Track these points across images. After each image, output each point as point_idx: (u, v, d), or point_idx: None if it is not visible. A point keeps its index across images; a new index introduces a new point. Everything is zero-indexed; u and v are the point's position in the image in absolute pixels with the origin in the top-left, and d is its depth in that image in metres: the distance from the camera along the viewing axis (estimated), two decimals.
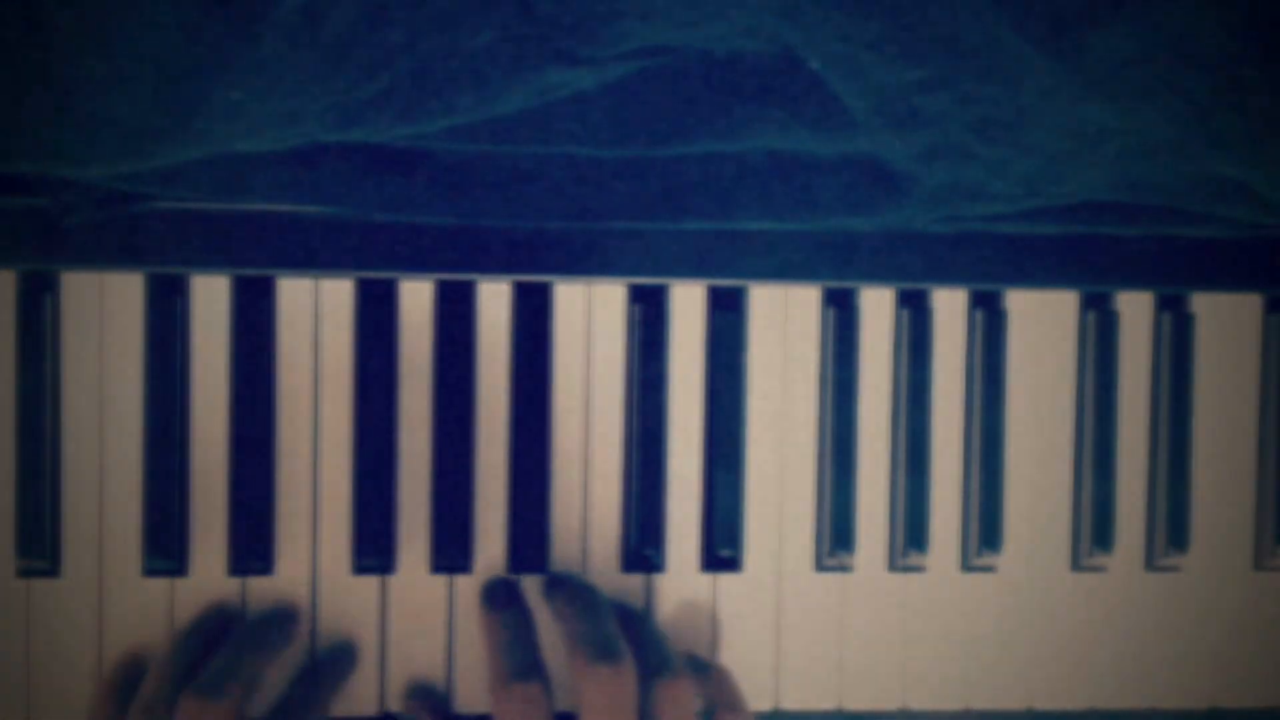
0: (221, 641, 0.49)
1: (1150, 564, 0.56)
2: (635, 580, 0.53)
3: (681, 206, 0.50)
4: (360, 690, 0.52)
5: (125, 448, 0.51)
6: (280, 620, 0.51)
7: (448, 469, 0.52)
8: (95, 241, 0.50)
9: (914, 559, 0.54)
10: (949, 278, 0.54)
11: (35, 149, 0.42)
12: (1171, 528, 0.55)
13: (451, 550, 0.52)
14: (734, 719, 0.48)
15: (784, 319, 0.54)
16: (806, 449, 0.54)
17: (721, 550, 0.54)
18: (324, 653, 0.52)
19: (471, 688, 0.53)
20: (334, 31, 0.41)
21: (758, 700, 0.54)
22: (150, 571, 0.51)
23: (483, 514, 0.53)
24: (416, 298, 0.52)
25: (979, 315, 0.55)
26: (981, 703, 0.55)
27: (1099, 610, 0.55)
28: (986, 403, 0.55)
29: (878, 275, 0.53)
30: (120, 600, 0.51)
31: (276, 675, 0.50)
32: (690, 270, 0.52)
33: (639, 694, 0.44)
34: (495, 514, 0.53)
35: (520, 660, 0.46)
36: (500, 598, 0.51)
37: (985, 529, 0.54)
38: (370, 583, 0.52)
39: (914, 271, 0.53)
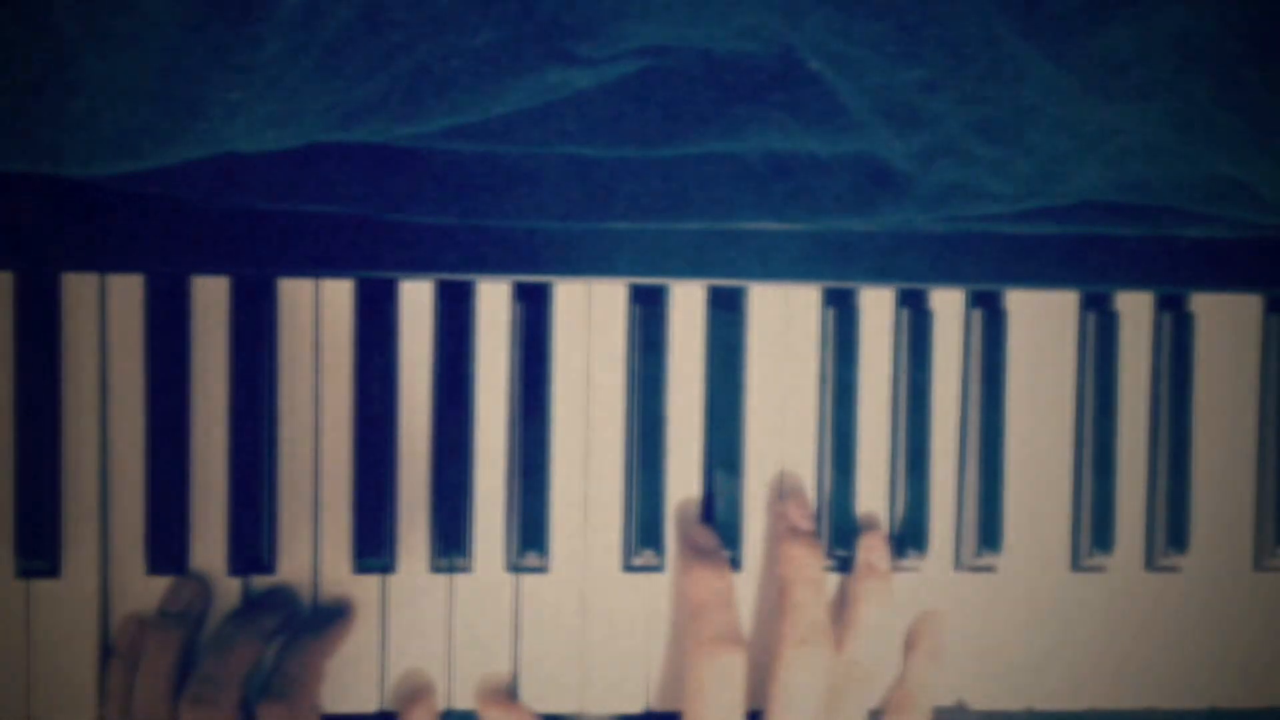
0: (203, 617, 0.51)
1: (1150, 564, 0.56)
2: (634, 580, 0.53)
3: (681, 206, 0.50)
4: (360, 690, 0.52)
5: (125, 448, 0.51)
6: (274, 606, 0.51)
7: (448, 469, 0.52)
8: (95, 241, 0.50)
9: (913, 559, 0.54)
10: (949, 278, 0.54)
11: (35, 149, 0.42)
12: (1171, 528, 0.55)
13: (451, 550, 0.52)
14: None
15: (784, 319, 0.54)
16: (806, 449, 0.54)
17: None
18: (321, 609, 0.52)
19: (470, 688, 0.53)
20: (334, 31, 0.41)
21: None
22: (151, 571, 0.51)
23: (483, 514, 0.53)
24: (416, 298, 0.52)
25: (979, 315, 0.55)
26: (981, 703, 0.55)
27: (1099, 610, 0.55)
28: (986, 403, 0.55)
29: (878, 275, 0.53)
30: (121, 600, 0.51)
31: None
32: (690, 270, 0.52)
33: None
34: (495, 514, 0.53)
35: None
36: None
37: (985, 529, 0.54)
38: (370, 582, 0.52)
39: (914, 271, 0.53)
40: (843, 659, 0.51)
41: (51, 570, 0.51)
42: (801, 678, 0.49)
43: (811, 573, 0.51)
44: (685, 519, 0.54)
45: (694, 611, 0.51)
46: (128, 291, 0.51)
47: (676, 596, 0.53)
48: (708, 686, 0.48)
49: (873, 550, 0.53)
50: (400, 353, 0.52)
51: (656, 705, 0.54)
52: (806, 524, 0.53)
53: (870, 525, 0.54)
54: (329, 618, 0.51)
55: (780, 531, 0.53)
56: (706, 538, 0.53)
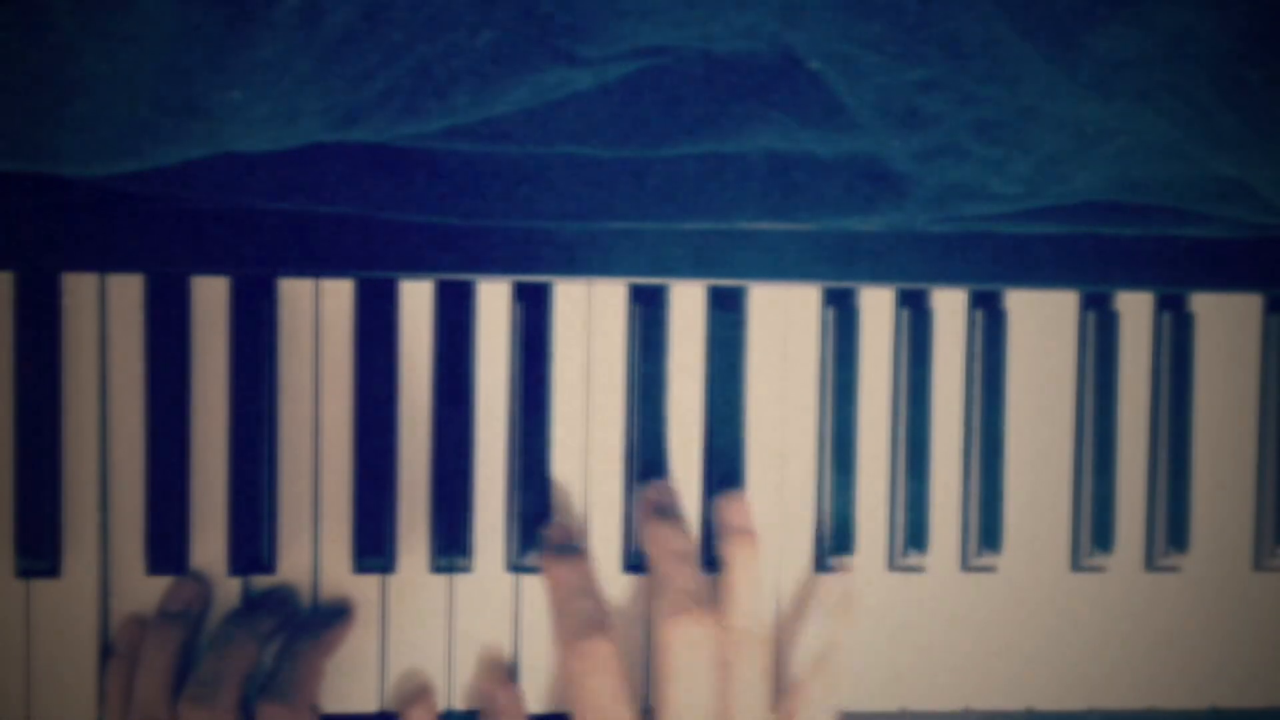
0: (203, 617, 0.51)
1: (1150, 564, 0.56)
2: (635, 579, 0.53)
3: (681, 206, 0.50)
4: (360, 690, 0.52)
5: (125, 447, 0.51)
6: (273, 606, 0.51)
7: (448, 469, 0.52)
8: (95, 241, 0.50)
9: (914, 559, 0.54)
10: (949, 278, 0.54)
11: (35, 149, 0.42)
12: (1171, 528, 0.55)
13: (451, 550, 0.52)
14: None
15: (784, 319, 0.54)
16: (806, 449, 0.54)
17: None
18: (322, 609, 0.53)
19: (471, 686, 0.53)
20: (334, 31, 0.41)
21: None
22: (151, 571, 0.51)
23: (483, 514, 0.53)
24: (416, 298, 0.52)
25: (979, 315, 0.55)
26: (981, 703, 0.55)
27: (1099, 610, 0.55)
28: (986, 403, 0.55)
29: (878, 275, 0.53)
30: (121, 600, 0.51)
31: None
32: (690, 270, 0.52)
33: None
34: (495, 514, 0.53)
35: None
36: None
37: (985, 529, 0.54)
38: (370, 582, 0.52)
39: (914, 271, 0.53)
40: (726, 627, 0.50)
41: (51, 570, 0.51)
42: (685, 650, 0.48)
43: (676, 545, 0.50)
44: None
45: (557, 607, 0.50)
46: (128, 291, 0.51)
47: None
48: (583, 677, 0.48)
49: (731, 510, 0.52)
50: (400, 353, 0.52)
51: None
52: (668, 500, 0.52)
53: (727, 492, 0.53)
54: (329, 618, 0.51)
55: (642, 513, 0.52)
56: (560, 534, 0.52)
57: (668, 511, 0.52)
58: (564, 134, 0.46)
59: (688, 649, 0.48)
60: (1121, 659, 0.55)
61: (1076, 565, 0.55)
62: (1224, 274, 0.55)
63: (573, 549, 0.52)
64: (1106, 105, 0.45)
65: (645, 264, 0.52)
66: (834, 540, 0.54)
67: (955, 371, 0.55)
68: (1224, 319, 0.56)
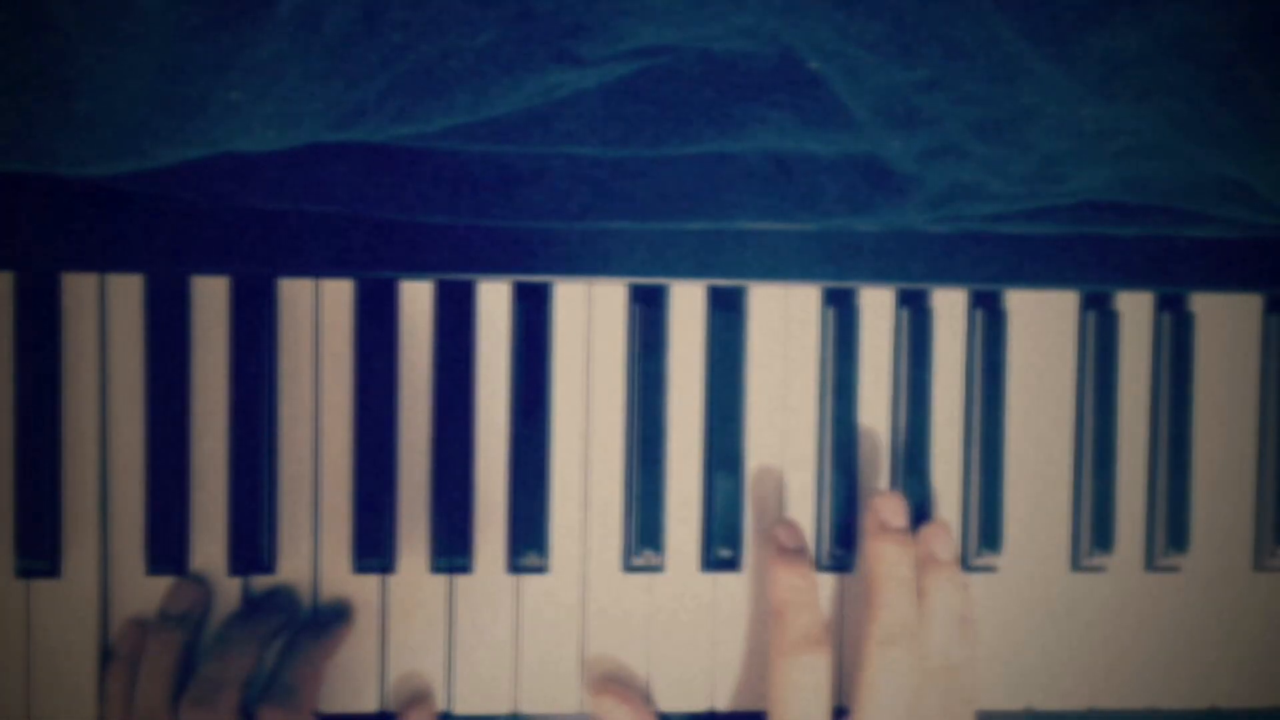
0: (203, 619, 0.51)
1: (1150, 564, 0.56)
2: (634, 580, 0.53)
3: (681, 206, 0.50)
4: (360, 690, 0.52)
5: (125, 448, 0.51)
6: (274, 608, 0.51)
7: (448, 469, 0.52)
8: (95, 241, 0.50)
9: None
10: (949, 278, 0.54)
11: (34, 149, 0.42)
12: (1171, 528, 0.55)
13: (451, 550, 0.52)
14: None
15: (784, 319, 0.54)
16: (806, 450, 0.54)
17: (721, 551, 0.54)
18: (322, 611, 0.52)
19: (470, 688, 0.53)
20: (334, 31, 0.41)
21: (749, 698, 0.54)
22: (151, 571, 0.51)
23: (483, 514, 0.53)
24: (416, 298, 0.52)
25: (979, 315, 0.55)
26: (982, 703, 0.55)
27: (1099, 610, 0.55)
28: (986, 403, 0.55)
29: (878, 275, 0.53)
30: (121, 601, 0.51)
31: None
32: (690, 270, 0.52)
33: None
34: (495, 514, 0.53)
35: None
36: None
37: (985, 529, 0.54)
38: (370, 582, 0.52)
39: (914, 271, 0.53)
40: (919, 655, 0.50)
41: (51, 570, 0.51)
42: (887, 679, 0.48)
43: (902, 570, 0.50)
44: (765, 514, 0.53)
45: (776, 612, 0.50)
46: (128, 291, 0.51)
47: (764, 596, 0.53)
48: (792, 689, 0.48)
49: (933, 540, 0.52)
50: (400, 353, 0.52)
51: (656, 705, 0.54)
52: (898, 520, 0.52)
53: (931, 516, 0.54)
54: (329, 620, 0.51)
55: (870, 528, 0.52)
56: (789, 536, 0.52)
57: (900, 533, 0.51)
58: (564, 134, 0.46)
59: (891, 676, 0.48)
60: (1121, 659, 0.55)
61: (1076, 565, 0.55)
62: (1224, 274, 0.55)
63: (804, 554, 0.52)
64: (1106, 105, 0.45)
65: (645, 264, 0.52)
66: (834, 539, 0.54)
67: (955, 371, 0.55)
68: (1224, 319, 0.56)
